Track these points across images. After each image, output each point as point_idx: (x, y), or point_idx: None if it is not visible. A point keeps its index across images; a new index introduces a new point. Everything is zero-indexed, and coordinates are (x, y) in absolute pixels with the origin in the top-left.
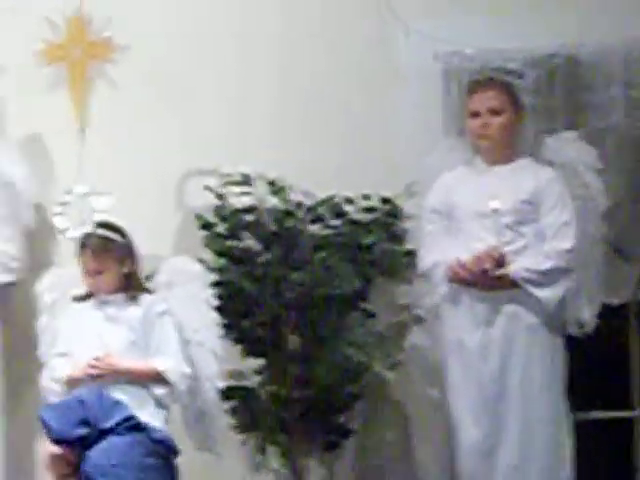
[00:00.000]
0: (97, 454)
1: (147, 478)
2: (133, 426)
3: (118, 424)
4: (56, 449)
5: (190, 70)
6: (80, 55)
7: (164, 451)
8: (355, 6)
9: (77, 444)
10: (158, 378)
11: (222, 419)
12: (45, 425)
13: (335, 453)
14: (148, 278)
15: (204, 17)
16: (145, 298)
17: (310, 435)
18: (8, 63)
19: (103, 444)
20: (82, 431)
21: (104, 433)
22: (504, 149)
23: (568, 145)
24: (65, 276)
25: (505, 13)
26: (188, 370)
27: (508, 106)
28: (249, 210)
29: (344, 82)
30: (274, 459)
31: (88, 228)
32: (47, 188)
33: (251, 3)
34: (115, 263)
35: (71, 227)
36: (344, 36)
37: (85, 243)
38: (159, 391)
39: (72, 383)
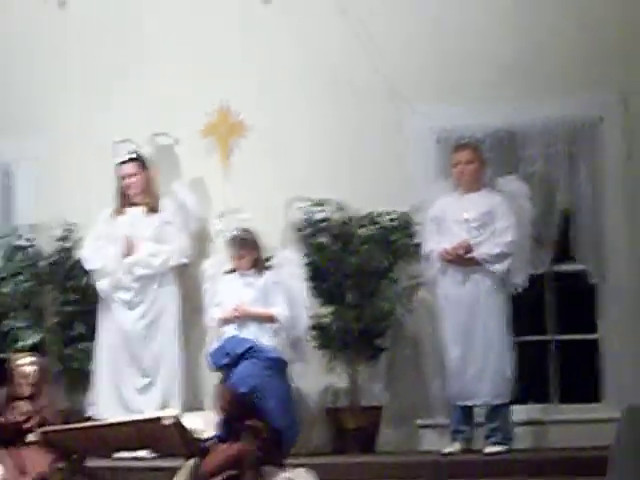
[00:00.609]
0: (235, 373)
1: (265, 382)
2: (254, 352)
3: (246, 352)
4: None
5: (289, 138)
6: (224, 132)
7: (276, 364)
8: (379, 98)
9: (225, 369)
10: (273, 318)
11: (309, 342)
12: (208, 361)
13: (375, 362)
14: (267, 260)
15: (296, 106)
16: (266, 273)
17: (360, 351)
18: (182, 137)
19: (239, 367)
20: (226, 360)
21: (239, 359)
22: (473, 184)
23: (510, 182)
24: (219, 259)
25: (472, 104)
26: (289, 314)
27: (476, 159)
28: (323, 220)
29: (379, 145)
30: (339, 365)
31: (234, 232)
32: (206, 209)
33: (324, 99)
34: (250, 252)
35: (225, 231)
36: (374, 115)
37: (232, 240)
38: (273, 326)
39: (222, 322)
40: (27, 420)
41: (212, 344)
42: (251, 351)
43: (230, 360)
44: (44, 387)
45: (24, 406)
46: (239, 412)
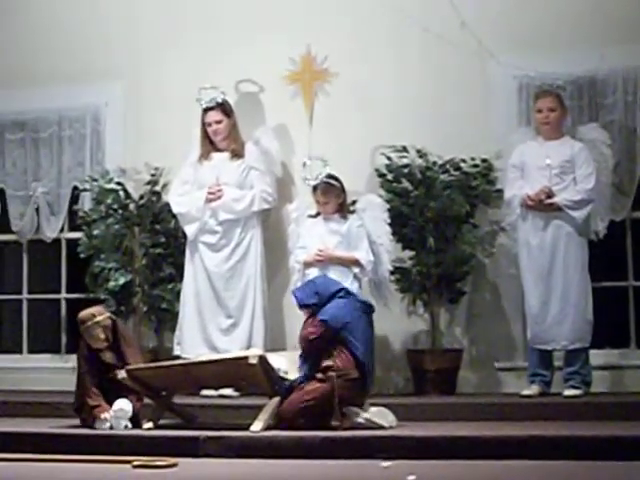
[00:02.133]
0: (327, 309)
1: (353, 321)
2: (345, 293)
3: (336, 292)
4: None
5: (372, 85)
6: (309, 78)
7: (364, 307)
8: (463, 46)
9: (312, 307)
10: (355, 262)
11: (390, 286)
12: (295, 297)
13: (455, 305)
14: (351, 205)
15: (380, 53)
16: (350, 217)
17: (441, 294)
18: (267, 84)
19: (331, 303)
20: (314, 299)
21: (329, 299)
22: (555, 131)
23: (591, 130)
24: (303, 202)
25: (553, 51)
26: (372, 258)
27: (558, 106)
28: (405, 166)
29: (462, 93)
30: (420, 308)
31: (320, 178)
32: (289, 155)
33: (408, 47)
34: (334, 197)
35: (310, 178)
36: (457, 64)
37: (317, 186)
38: (355, 270)
39: (306, 265)
40: (115, 367)
41: (296, 285)
42: (342, 292)
43: (318, 300)
44: (120, 336)
45: (109, 357)
46: (329, 345)
